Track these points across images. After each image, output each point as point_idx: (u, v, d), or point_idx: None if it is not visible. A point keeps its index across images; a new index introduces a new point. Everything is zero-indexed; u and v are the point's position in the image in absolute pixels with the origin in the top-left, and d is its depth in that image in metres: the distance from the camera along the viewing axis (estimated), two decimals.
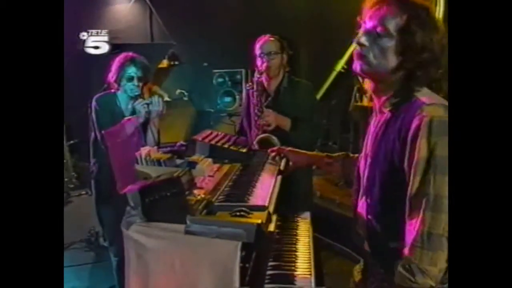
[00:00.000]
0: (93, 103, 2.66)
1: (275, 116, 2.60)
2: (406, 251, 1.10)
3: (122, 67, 2.64)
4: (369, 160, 1.29)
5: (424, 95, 1.18)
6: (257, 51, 2.67)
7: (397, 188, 1.16)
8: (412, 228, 1.09)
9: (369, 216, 1.29)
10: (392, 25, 1.15)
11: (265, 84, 2.71)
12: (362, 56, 1.21)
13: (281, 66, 2.68)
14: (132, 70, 2.62)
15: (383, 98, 1.26)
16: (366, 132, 1.40)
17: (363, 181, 1.33)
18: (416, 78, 1.18)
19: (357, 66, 1.24)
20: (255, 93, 2.67)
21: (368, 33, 1.19)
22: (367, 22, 1.20)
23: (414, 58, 1.15)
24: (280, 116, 2.62)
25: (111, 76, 2.67)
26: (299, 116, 2.61)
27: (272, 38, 2.68)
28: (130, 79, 2.62)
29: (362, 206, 1.33)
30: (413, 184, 1.10)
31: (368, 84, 1.29)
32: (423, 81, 1.19)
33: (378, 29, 1.17)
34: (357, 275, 1.47)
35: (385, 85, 1.24)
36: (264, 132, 2.61)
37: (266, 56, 2.63)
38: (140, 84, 2.65)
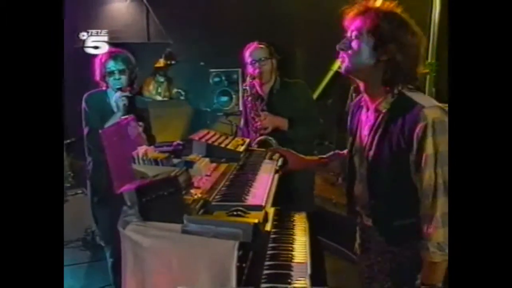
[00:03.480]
0: (83, 101, 2.68)
1: (271, 118, 2.67)
2: (430, 231, 1.32)
3: (102, 65, 2.66)
4: (371, 152, 1.47)
5: (419, 97, 1.38)
6: (248, 58, 2.74)
7: (400, 176, 1.39)
8: (427, 211, 1.33)
9: (373, 201, 1.49)
10: (363, 29, 1.42)
11: (259, 89, 2.78)
12: (344, 59, 1.46)
13: (272, 70, 2.75)
14: (111, 65, 2.65)
15: (379, 99, 1.45)
16: (357, 127, 1.60)
17: (366, 169, 1.51)
18: (395, 73, 1.39)
19: (342, 69, 1.48)
20: (249, 98, 2.74)
21: (347, 39, 1.46)
22: (347, 31, 1.47)
23: (385, 49, 1.38)
24: (276, 118, 2.68)
25: (96, 75, 2.71)
26: (294, 115, 2.68)
27: (260, 45, 2.75)
28: (111, 73, 2.65)
29: (363, 190, 1.54)
30: (425, 176, 1.32)
31: (361, 85, 1.50)
32: (401, 76, 1.40)
33: (354, 34, 1.44)
34: (358, 249, 1.70)
35: (372, 83, 1.45)
36: (262, 135, 2.66)
37: (257, 62, 2.70)
38: (123, 76, 2.65)
